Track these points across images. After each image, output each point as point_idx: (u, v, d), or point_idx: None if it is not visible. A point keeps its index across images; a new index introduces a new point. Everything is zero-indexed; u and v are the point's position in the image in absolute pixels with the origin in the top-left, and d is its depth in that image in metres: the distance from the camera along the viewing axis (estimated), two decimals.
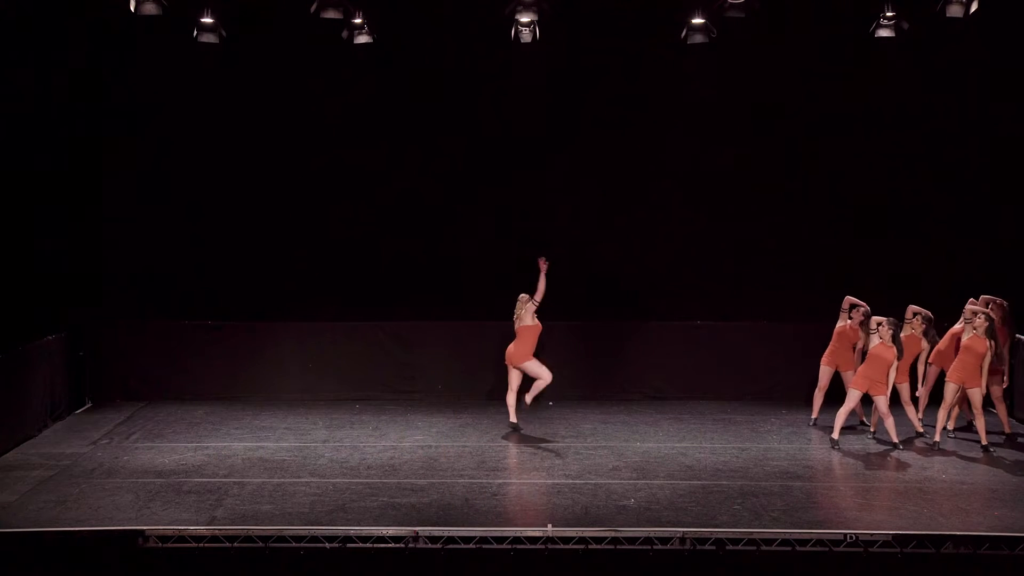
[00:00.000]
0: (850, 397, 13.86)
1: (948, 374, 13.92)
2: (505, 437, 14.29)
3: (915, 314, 14.29)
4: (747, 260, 16.52)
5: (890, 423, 13.71)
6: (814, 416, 14.91)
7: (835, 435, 13.89)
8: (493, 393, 15.75)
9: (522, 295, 14.28)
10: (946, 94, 16.13)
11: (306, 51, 15.80)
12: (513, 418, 14.43)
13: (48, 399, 14.84)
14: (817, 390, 14.82)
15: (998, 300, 14.53)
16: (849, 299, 14.59)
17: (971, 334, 13.72)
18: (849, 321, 14.52)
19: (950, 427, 14.40)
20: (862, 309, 14.39)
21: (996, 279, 15.08)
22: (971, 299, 14.18)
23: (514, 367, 14.38)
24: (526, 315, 14.21)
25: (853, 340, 14.57)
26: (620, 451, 13.73)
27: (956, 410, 14.37)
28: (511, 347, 14.38)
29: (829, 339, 14.72)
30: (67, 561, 10.60)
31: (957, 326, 14.20)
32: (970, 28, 14.89)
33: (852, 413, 14.09)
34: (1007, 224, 16.13)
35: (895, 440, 13.74)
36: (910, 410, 14.23)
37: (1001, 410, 14.42)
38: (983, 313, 13.75)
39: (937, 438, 13.87)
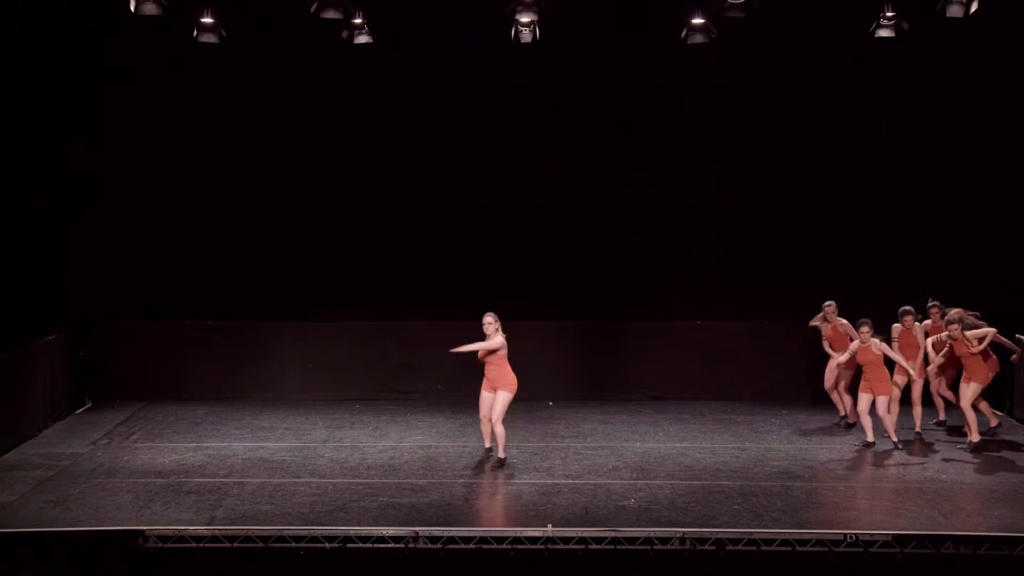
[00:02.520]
0: (860, 401, 13.79)
1: (963, 378, 13.73)
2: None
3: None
4: (747, 260, 16.51)
5: (889, 423, 13.71)
6: (842, 414, 14.84)
7: (894, 438, 13.73)
8: None
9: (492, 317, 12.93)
10: (947, 93, 16.11)
11: (306, 51, 15.79)
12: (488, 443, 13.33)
13: (48, 399, 14.84)
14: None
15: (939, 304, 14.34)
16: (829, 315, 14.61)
17: (955, 340, 13.58)
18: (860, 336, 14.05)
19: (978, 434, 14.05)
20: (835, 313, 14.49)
21: (997, 280, 15.07)
22: (931, 298, 14.27)
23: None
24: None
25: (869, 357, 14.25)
26: (620, 451, 13.72)
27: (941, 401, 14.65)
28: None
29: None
30: (67, 561, 10.60)
31: (942, 336, 13.96)
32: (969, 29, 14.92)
33: (834, 411, 14.57)
34: (1007, 226, 16.12)
35: (895, 440, 13.74)
36: (916, 410, 14.28)
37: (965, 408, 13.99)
38: (952, 325, 13.55)
39: (976, 438, 13.67)
